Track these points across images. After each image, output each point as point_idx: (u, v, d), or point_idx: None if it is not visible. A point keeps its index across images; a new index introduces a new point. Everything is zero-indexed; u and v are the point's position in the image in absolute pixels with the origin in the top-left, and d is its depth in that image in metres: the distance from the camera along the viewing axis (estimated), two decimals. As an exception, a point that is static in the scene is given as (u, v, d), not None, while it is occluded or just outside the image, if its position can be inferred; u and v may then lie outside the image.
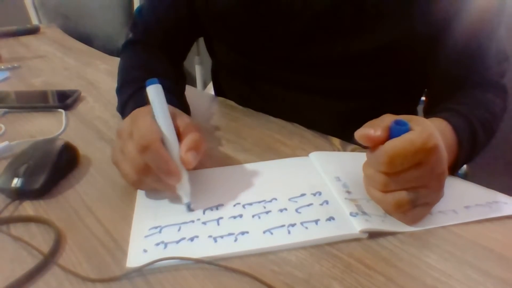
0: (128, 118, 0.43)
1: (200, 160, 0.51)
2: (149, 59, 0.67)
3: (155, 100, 0.42)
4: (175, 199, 0.43)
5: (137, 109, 0.45)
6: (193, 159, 0.41)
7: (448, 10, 0.52)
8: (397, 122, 0.37)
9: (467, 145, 0.49)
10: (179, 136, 0.43)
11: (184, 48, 0.74)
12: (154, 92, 0.42)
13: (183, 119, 0.44)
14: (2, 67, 0.90)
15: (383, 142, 0.36)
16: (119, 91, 0.62)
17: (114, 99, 0.71)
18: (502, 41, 0.57)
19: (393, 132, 0.36)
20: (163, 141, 0.41)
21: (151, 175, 0.40)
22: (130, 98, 0.56)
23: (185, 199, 0.41)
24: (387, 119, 0.38)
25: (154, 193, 0.44)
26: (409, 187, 0.37)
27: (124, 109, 0.57)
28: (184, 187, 0.41)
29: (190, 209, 0.41)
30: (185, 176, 0.41)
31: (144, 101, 0.45)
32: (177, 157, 0.41)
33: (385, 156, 0.35)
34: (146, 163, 0.39)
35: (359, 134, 0.37)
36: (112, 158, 0.44)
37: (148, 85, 0.42)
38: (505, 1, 0.55)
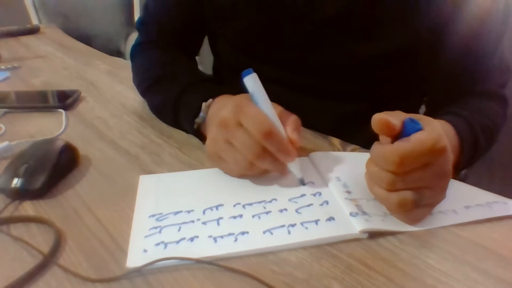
0: (228, 110, 0.43)
1: (200, 160, 0.51)
2: (178, 56, 0.67)
3: (257, 88, 0.44)
4: (176, 198, 0.43)
5: (234, 99, 0.47)
6: (299, 138, 0.44)
7: (453, 18, 0.52)
8: (412, 120, 0.37)
9: (468, 148, 0.49)
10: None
11: (196, 45, 0.74)
12: (254, 81, 0.44)
13: (275, 105, 0.46)
14: (2, 67, 0.90)
15: (394, 134, 0.36)
16: (153, 86, 0.62)
17: (114, 99, 0.71)
18: (505, 51, 0.57)
19: (406, 128, 0.36)
20: None
21: (267, 159, 0.42)
22: (185, 91, 0.56)
23: (299, 174, 0.45)
24: (402, 115, 0.38)
25: (154, 194, 0.44)
26: (415, 187, 0.37)
27: (175, 103, 0.56)
28: (296, 164, 0.45)
29: (303, 183, 0.45)
30: (296, 154, 0.44)
31: (212, 93, 0.51)
32: (285, 138, 0.44)
33: (396, 156, 0.35)
34: (263, 147, 0.41)
35: (377, 117, 0.36)
36: (209, 150, 0.46)
37: (246, 75, 0.44)
38: (509, 12, 0.55)
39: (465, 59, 0.56)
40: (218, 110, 0.46)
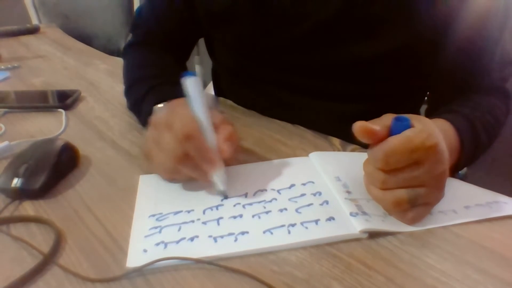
0: (163, 110, 0.43)
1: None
2: (157, 58, 0.67)
3: (194, 92, 0.43)
4: (176, 198, 0.43)
5: (173, 101, 0.46)
6: (229, 148, 0.42)
7: (453, 15, 0.52)
8: (398, 119, 0.37)
9: (469, 146, 0.49)
10: (214, 128, 0.44)
11: (186, 49, 0.74)
12: (193, 84, 0.43)
13: (216, 112, 0.45)
14: (2, 67, 0.90)
15: (378, 138, 0.36)
16: (130, 89, 0.62)
17: (114, 99, 0.71)
18: (506, 46, 0.57)
19: (394, 129, 0.36)
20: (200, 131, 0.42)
21: (189, 164, 0.41)
22: (147, 93, 0.56)
23: (221, 186, 0.43)
24: (387, 118, 0.38)
25: (154, 194, 0.44)
26: (408, 186, 0.37)
27: (140, 105, 0.56)
28: (220, 175, 0.42)
29: (225, 196, 0.43)
30: (221, 165, 0.42)
31: (167, 95, 0.48)
32: (213, 147, 0.42)
33: (381, 152, 0.36)
34: (185, 151, 0.40)
35: (357, 125, 0.37)
36: (144, 149, 0.46)
37: (185, 77, 0.43)
38: (510, 6, 0.54)
39: (466, 56, 0.56)
40: (157, 112, 0.45)
